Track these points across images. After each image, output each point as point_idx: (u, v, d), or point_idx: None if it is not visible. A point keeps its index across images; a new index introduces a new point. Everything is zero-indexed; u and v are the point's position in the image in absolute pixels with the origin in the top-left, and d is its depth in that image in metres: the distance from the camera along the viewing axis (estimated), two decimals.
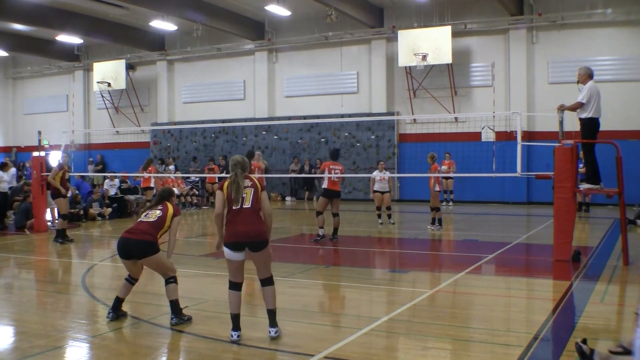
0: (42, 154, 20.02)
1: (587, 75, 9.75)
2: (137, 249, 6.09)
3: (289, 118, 24.10)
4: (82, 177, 18.84)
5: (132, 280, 6.31)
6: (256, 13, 23.70)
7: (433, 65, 21.19)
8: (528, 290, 8.14)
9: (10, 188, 16.44)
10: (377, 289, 8.08)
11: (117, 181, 18.93)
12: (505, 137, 20.27)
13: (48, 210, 15.28)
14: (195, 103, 26.70)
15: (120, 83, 26.47)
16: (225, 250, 5.57)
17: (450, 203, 21.00)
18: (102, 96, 27.58)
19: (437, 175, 13.97)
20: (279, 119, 24.41)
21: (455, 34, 20.87)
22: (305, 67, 24.53)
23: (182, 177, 21.77)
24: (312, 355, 5.04)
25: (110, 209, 17.44)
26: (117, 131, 27.38)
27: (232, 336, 5.48)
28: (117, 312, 6.21)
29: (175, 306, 6.05)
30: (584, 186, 10.05)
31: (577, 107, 9.68)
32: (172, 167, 23.60)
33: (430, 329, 5.92)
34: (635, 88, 19.42)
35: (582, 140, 9.75)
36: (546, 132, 19.47)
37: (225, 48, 25.63)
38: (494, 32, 21.49)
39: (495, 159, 18.46)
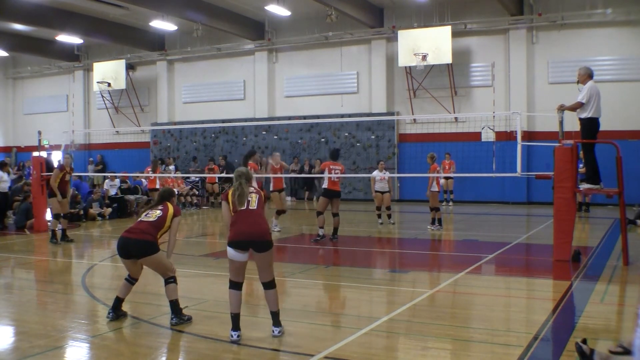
0: (44, 154, 20.07)
1: (587, 75, 9.75)
2: (137, 248, 6.09)
3: (289, 118, 24.10)
4: (79, 177, 18.81)
5: (132, 280, 6.31)
6: (256, 13, 23.70)
7: (433, 65, 21.20)
8: (528, 290, 8.14)
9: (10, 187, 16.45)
10: (377, 289, 8.08)
11: (117, 181, 18.93)
12: (505, 137, 20.28)
13: (48, 210, 15.26)
14: (195, 103, 26.71)
15: (120, 83, 26.48)
16: (229, 250, 5.57)
17: (450, 203, 21.00)
18: (102, 96, 27.58)
19: (437, 175, 13.98)
20: (279, 119, 24.42)
21: (455, 34, 20.87)
22: (305, 67, 24.53)
23: (182, 177, 21.77)
24: (312, 355, 5.04)
25: (110, 209, 17.44)
26: (117, 131, 27.39)
27: (232, 336, 5.48)
28: (117, 312, 6.21)
29: (175, 306, 6.05)
30: (584, 186, 10.05)
31: (577, 107, 9.68)
32: (172, 167, 23.60)
33: (430, 329, 5.92)
34: (635, 88, 19.42)
35: (582, 140, 9.75)
36: (546, 132, 19.47)
37: (225, 48, 25.64)
38: (494, 32, 21.49)
39: (495, 159, 18.48)
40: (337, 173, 12.21)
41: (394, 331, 5.95)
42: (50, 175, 14.40)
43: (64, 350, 5.47)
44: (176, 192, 11.73)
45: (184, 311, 6.14)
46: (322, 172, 12.49)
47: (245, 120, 24.76)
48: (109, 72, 26.62)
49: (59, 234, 12.48)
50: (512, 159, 12.86)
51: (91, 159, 27.85)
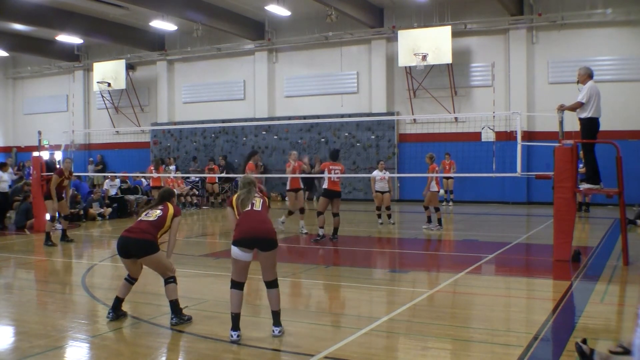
0: (47, 154, 20.05)
1: (587, 75, 9.75)
2: (137, 247, 6.09)
3: (289, 118, 24.10)
4: (79, 177, 18.80)
5: (131, 280, 6.30)
6: (256, 13, 23.70)
7: (433, 65, 21.20)
8: (528, 290, 8.14)
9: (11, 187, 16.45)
10: (377, 289, 8.08)
11: (117, 181, 18.93)
12: (505, 137, 20.28)
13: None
14: (195, 103, 26.71)
15: (120, 83, 26.48)
16: (234, 249, 5.58)
17: (450, 203, 21.00)
18: (102, 96, 27.59)
19: (436, 175, 13.98)
20: (279, 119, 24.42)
21: (455, 34, 20.87)
22: (305, 67, 24.53)
23: (182, 177, 21.77)
24: (312, 355, 5.04)
25: (110, 209, 17.44)
26: (117, 131, 27.39)
27: (231, 336, 5.48)
28: (117, 312, 6.21)
29: (175, 306, 6.05)
30: (584, 186, 10.05)
31: (577, 107, 9.68)
32: (172, 167, 23.60)
33: (430, 329, 5.92)
34: (635, 88, 19.42)
35: (582, 140, 9.75)
36: (546, 132, 19.47)
37: (225, 48, 25.64)
38: (494, 32, 21.49)
39: (495, 159, 18.47)
40: (337, 173, 12.21)
41: (394, 331, 5.95)
42: (50, 175, 14.41)
43: (64, 350, 5.46)
44: (176, 193, 11.72)
45: (184, 311, 6.13)
46: (322, 172, 12.49)
47: (245, 120, 24.77)
48: (109, 72, 26.62)
49: (57, 235, 12.46)
50: (512, 159, 12.86)
51: (91, 159, 27.85)
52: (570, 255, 9.36)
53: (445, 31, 20.76)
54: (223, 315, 6.13)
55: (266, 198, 5.99)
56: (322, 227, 12.19)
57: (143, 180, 21.16)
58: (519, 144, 10.61)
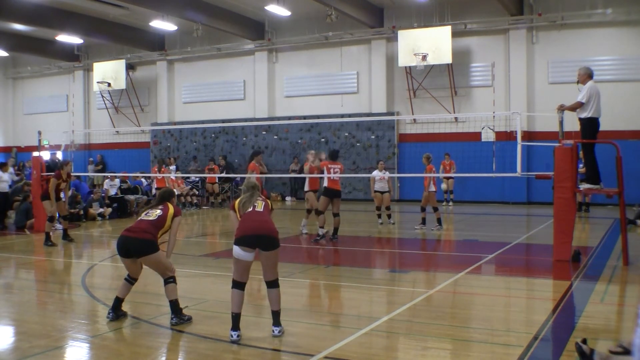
0: (49, 155, 20.02)
1: (587, 75, 9.75)
2: (137, 247, 6.09)
3: (289, 118, 24.10)
4: (78, 177, 18.81)
5: (131, 280, 6.30)
6: (256, 13, 23.70)
7: (433, 65, 21.20)
8: (528, 290, 8.14)
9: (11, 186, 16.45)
10: (377, 289, 8.08)
11: (117, 181, 18.93)
12: (505, 137, 20.28)
13: None
14: (195, 103, 26.71)
15: (120, 83, 26.48)
16: (236, 249, 5.58)
17: (450, 203, 21.00)
18: (102, 96, 27.58)
19: (434, 175, 13.99)
20: (279, 119, 24.42)
21: (455, 34, 20.87)
22: (305, 67, 24.53)
23: (182, 177, 21.78)
24: (312, 355, 5.04)
25: (110, 209, 17.45)
26: (117, 131, 27.39)
27: (231, 336, 5.48)
28: (117, 312, 6.21)
29: (175, 306, 6.05)
30: (584, 186, 10.05)
31: (577, 107, 9.68)
32: (173, 167, 23.60)
33: (430, 329, 5.92)
34: (635, 88, 19.42)
35: (582, 140, 9.75)
36: (546, 132, 19.47)
37: (225, 48, 25.64)
38: (494, 32, 21.49)
39: (495, 159, 18.47)
40: (337, 172, 12.20)
41: (394, 331, 5.95)
42: (50, 175, 14.41)
43: (64, 350, 5.47)
44: (176, 193, 11.73)
45: (184, 311, 6.13)
46: (320, 171, 12.47)
47: (245, 120, 24.77)
48: (109, 72, 26.62)
49: (57, 235, 12.45)
50: (512, 159, 12.85)
51: (91, 159, 27.85)
52: (570, 255, 9.36)
53: (445, 31, 20.76)
54: (223, 315, 6.13)
55: (269, 201, 6.02)
56: (322, 227, 12.18)
57: (143, 180, 21.16)
58: (519, 144, 10.61)
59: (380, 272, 9.68)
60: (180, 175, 21.77)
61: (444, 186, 20.64)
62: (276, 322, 5.63)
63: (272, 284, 5.66)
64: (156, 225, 6.23)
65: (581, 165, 12.33)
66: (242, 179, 22.17)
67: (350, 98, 23.69)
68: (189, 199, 20.98)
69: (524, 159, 16.12)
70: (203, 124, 24.15)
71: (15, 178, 19.99)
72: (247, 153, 25.27)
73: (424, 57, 20.83)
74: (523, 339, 5.49)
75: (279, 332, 5.59)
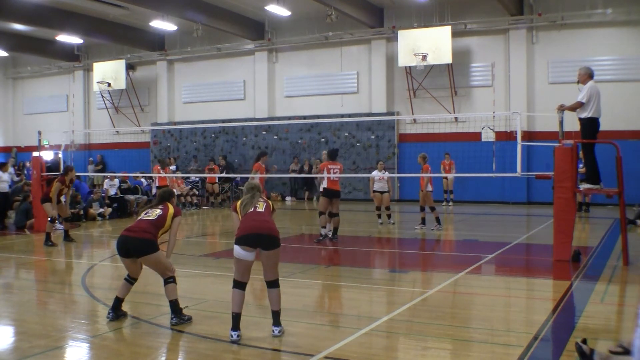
0: (51, 155, 20.00)
1: (588, 75, 9.75)
2: (137, 246, 6.09)
3: (289, 118, 24.11)
4: (78, 177, 18.80)
5: (131, 280, 6.30)
6: (256, 13, 23.70)
7: (433, 65, 21.20)
8: (528, 290, 8.14)
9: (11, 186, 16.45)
10: (377, 289, 8.08)
11: (116, 181, 18.93)
12: (505, 137, 20.28)
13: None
14: (195, 103, 26.71)
15: (120, 83, 26.48)
16: (236, 249, 5.58)
17: (450, 203, 21.00)
18: (102, 96, 27.59)
19: (429, 175, 14.00)
20: (279, 119, 24.42)
21: (455, 34, 20.87)
22: (305, 67, 24.54)
23: (183, 177, 21.78)
24: (312, 355, 5.04)
25: (110, 209, 17.44)
26: (117, 131, 27.39)
27: (231, 336, 5.48)
28: (117, 312, 6.21)
29: (175, 306, 6.05)
30: (584, 186, 10.05)
31: (577, 107, 9.68)
32: (173, 167, 23.59)
33: (430, 329, 5.92)
34: (635, 88, 19.43)
35: (582, 140, 9.75)
36: (546, 132, 19.48)
37: (225, 48, 25.64)
38: (494, 32, 21.49)
39: (495, 159, 18.47)
40: (336, 172, 12.19)
41: (394, 331, 5.95)
42: (50, 175, 14.40)
43: (64, 350, 5.47)
44: (176, 193, 11.73)
45: (184, 311, 6.13)
46: (321, 172, 12.45)
47: (245, 120, 24.77)
48: (109, 72, 26.62)
49: (57, 235, 12.45)
50: (512, 159, 12.85)
51: (91, 159, 27.86)
52: (570, 255, 9.36)
53: (445, 31, 20.76)
54: (223, 315, 6.13)
55: (270, 202, 6.03)
56: (324, 227, 12.18)
57: (143, 180, 21.15)
58: (519, 144, 10.61)
59: (380, 272, 9.68)
60: (180, 175, 21.76)
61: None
62: (276, 322, 5.63)
63: (273, 284, 5.66)
64: (156, 225, 6.23)
65: (581, 165, 12.33)
66: (242, 179, 22.25)
67: (350, 98, 23.69)
68: (189, 199, 20.98)
69: (524, 159, 16.11)
70: (203, 124, 24.16)
71: (16, 179, 20.00)
72: (247, 153, 25.31)
73: (424, 57, 20.83)
74: (523, 339, 5.49)
75: (279, 332, 5.59)
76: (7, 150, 31.09)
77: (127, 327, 6.06)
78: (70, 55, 28.74)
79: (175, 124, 26.31)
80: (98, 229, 15.47)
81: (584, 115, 9.61)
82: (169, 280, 6.13)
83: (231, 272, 5.68)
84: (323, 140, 23.96)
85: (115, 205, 17.78)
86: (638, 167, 18.04)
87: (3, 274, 9.61)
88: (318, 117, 22.71)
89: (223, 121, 24.61)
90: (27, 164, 23.32)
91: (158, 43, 27.07)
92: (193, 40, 25.40)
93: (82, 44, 28.07)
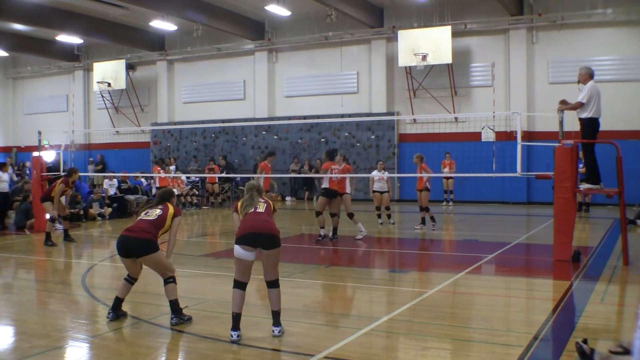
0: (52, 154, 19.98)
1: (588, 75, 9.74)
2: (137, 246, 6.08)
3: (289, 118, 24.11)
4: (78, 177, 18.80)
5: (131, 280, 6.30)
6: (256, 13, 23.70)
7: (433, 65, 21.20)
8: (528, 290, 8.14)
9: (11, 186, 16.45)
10: (377, 289, 8.08)
11: (115, 181, 18.93)
12: (505, 137, 20.28)
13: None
14: (195, 103, 26.71)
15: (120, 83, 26.48)
16: (237, 248, 5.58)
17: (450, 203, 20.99)
18: (102, 96, 27.58)
19: (427, 175, 14.00)
20: (279, 119, 24.42)
21: (455, 34, 20.87)
22: (305, 67, 24.53)
23: (186, 176, 21.80)
24: (312, 355, 5.04)
25: (110, 209, 17.44)
26: (117, 131, 27.39)
27: (231, 336, 5.48)
28: (117, 312, 6.21)
29: (175, 306, 6.05)
30: (584, 186, 10.05)
31: (578, 107, 9.67)
32: (172, 167, 23.59)
33: (430, 329, 5.92)
34: (635, 88, 19.42)
35: (582, 140, 9.75)
36: (546, 132, 19.47)
37: (225, 48, 25.64)
38: (494, 32, 21.49)
39: (495, 159, 18.46)
40: (336, 172, 12.18)
41: (394, 331, 5.95)
42: (50, 175, 14.39)
43: (64, 350, 5.46)
44: (176, 193, 11.71)
45: (184, 311, 6.13)
46: (324, 172, 12.38)
47: (245, 120, 24.77)
48: (109, 72, 26.62)
49: (57, 235, 12.45)
50: (512, 159, 12.84)
51: (91, 159, 27.86)
52: (570, 255, 9.36)
53: (445, 31, 20.76)
54: (223, 315, 6.13)
55: (271, 202, 6.04)
56: (322, 227, 12.17)
57: (143, 180, 21.15)
58: (519, 144, 10.61)
59: (380, 272, 9.67)
60: (179, 175, 21.76)
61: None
62: (276, 322, 5.63)
63: (273, 284, 5.66)
64: (156, 225, 6.23)
65: (581, 165, 12.34)
66: (242, 179, 22.26)
67: (350, 98, 23.69)
68: (189, 199, 20.98)
69: (524, 159, 16.11)
70: (203, 124, 24.16)
71: (15, 179, 19.99)
72: (247, 153, 25.32)
73: (424, 57, 20.83)
74: (523, 339, 5.49)
75: (279, 332, 5.59)
76: (7, 150, 31.08)
77: (127, 327, 6.06)
78: (70, 55, 28.74)
79: (175, 124, 26.31)
80: (98, 229, 15.47)
81: (584, 115, 9.61)
82: (169, 280, 6.13)
83: (231, 272, 5.68)
84: (323, 140, 23.96)
85: (115, 205, 17.78)
86: (638, 167, 18.04)
87: (3, 274, 9.61)
88: (318, 117, 22.71)
89: (223, 121, 24.61)
90: (27, 164, 23.31)
91: (158, 43, 27.07)
92: (193, 40, 25.40)
93: (82, 44, 28.07)
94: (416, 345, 5.42)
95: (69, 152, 17.91)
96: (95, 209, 17.04)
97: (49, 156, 19.03)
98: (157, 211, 6.34)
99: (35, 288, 8.63)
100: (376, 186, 14.89)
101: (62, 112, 29.87)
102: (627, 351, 4.60)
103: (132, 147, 27.83)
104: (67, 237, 12.54)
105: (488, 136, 20.38)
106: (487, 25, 21.47)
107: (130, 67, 27.19)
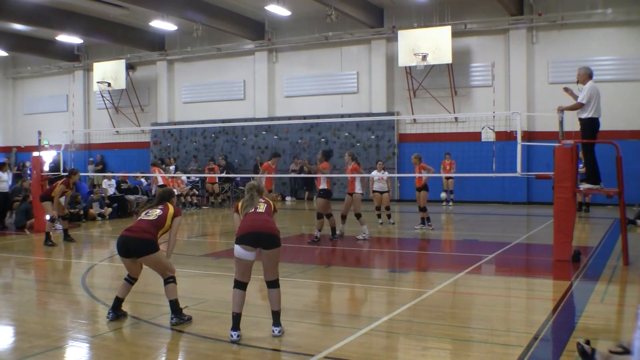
0: (53, 155, 20.00)
1: (587, 75, 9.75)
2: (137, 246, 6.09)
3: (289, 118, 24.11)
4: None
5: (131, 280, 6.30)
6: (256, 13, 23.70)
7: (433, 65, 21.20)
8: (528, 290, 8.14)
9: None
10: (377, 289, 8.08)
11: (113, 181, 18.93)
12: (505, 137, 20.28)
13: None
14: (195, 103, 26.71)
15: (120, 83, 26.48)
16: (237, 248, 5.58)
17: (451, 203, 20.99)
18: (102, 96, 27.58)
19: (426, 175, 14.00)
20: (279, 119, 24.42)
21: (455, 34, 20.87)
22: (305, 67, 24.53)
23: (176, 176, 21.77)
24: (312, 355, 5.04)
25: (110, 209, 17.44)
26: (117, 131, 27.39)
27: (231, 336, 5.48)
28: (117, 312, 6.21)
29: (175, 306, 6.05)
30: (584, 186, 10.05)
31: (577, 107, 9.68)
32: (172, 167, 23.59)
33: (430, 329, 5.92)
34: (635, 88, 19.43)
35: (582, 140, 9.75)
36: (546, 132, 19.48)
37: (225, 48, 25.64)
38: (494, 32, 21.49)
39: (495, 159, 18.46)
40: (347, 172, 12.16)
41: (394, 331, 5.95)
42: (50, 175, 14.39)
43: (64, 350, 5.46)
44: (176, 193, 11.70)
45: (184, 311, 6.13)
46: (324, 172, 12.33)
47: (245, 120, 24.76)
48: (109, 72, 26.62)
49: (57, 235, 12.45)
50: (512, 159, 12.85)
51: (91, 159, 27.85)
52: (570, 255, 9.36)
53: (445, 31, 20.76)
54: (223, 315, 6.13)
55: (272, 202, 6.04)
56: (320, 230, 12.11)
57: (143, 180, 21.15)
58: (519, 144, 10.61)
59: (380, 272, 9.67)
60: (179, 175, 21.75)
61: (443, 195, 20.56)
62: (276, 322, 5.63)
63: (273, 284, 5.66)
64: (156, 225, 6.23)
65: (581, 165, 12.34)
66: (242, 179, 22.26)
67: (350, 98, 23.69)
68: (189, 199, 20.98)
69: (524, 159, 16.11)
70: (203, 124, 24.16)
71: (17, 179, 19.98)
72: (247, 153, 25.32)
73: (424, 57, 20.83)
74: (523, 339, 5.49)
75: (279, 332, 5.59)
76: (7, 150, 31.09)
77: (127, 327, 6.06)
78: (70, 55, 28.74)
79: (175, 124, 26.31)
80: (98, 229, 15.47)
81: (584, 115, 9.61)
82: (169, 280, 6.13)
83: (231, 272, 5.68)
84: (323, 140, 23.96)
85: (115, 205, 17.78)
86: (638, 167, 18.04)
87: (3, 274, 9.61)
88: (318, 117, 22.71)
89: (223, 121, 24.61)
90: (27, 164, 23.30)
91: (158, 43, 27.07)
92: (193, 40, 25.40)
93: (82, 44, 28.07)
94: (416, 345, 5.42)
95: (69, 152, 17.91)
96: (95, 209, 17.04)
97: (50, 156, 19.04)
98: (157, 211, 6.34)
99: (35, 288, 8.63)
100: (376, 186, 14.89)
101: (62, 112, 29.87)
102: (627, 351, 4.60)
103: (132, 147, 27.83)
104: (67, 237, 12.55)
105: (488, 136, 20.39)
106: (487, 25, 21.47)
107: (130, 67, 27.19)
